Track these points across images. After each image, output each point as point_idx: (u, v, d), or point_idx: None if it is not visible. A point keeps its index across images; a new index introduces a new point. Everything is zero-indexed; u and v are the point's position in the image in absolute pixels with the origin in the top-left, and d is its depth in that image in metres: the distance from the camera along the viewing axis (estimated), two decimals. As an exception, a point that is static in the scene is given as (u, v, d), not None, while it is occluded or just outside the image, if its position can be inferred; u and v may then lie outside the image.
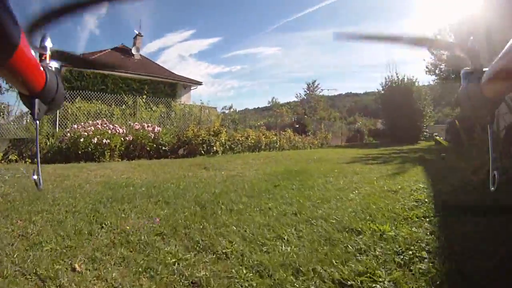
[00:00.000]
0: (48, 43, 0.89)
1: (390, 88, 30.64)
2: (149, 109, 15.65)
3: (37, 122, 0.84)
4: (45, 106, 0.84)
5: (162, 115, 15.68)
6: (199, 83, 28.44)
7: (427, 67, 30.79)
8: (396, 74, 30.80)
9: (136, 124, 12.62)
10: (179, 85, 25.45)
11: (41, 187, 0.86)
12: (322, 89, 51.45)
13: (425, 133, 32.51)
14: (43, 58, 0.88)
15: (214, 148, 13.89)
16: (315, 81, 52.63)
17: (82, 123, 11.26)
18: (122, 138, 11.37)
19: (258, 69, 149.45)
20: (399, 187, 5.77)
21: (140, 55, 27.18)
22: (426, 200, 4.64)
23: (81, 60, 1.09)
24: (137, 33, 26.82)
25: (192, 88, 27.77)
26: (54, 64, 0.88)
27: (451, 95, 30.77)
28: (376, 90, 32.96)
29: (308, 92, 52.50)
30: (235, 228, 3.40)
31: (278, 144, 18.39)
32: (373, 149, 20.36)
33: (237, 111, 26.68)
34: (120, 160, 10.95)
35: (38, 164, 0.87)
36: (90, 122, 11.45)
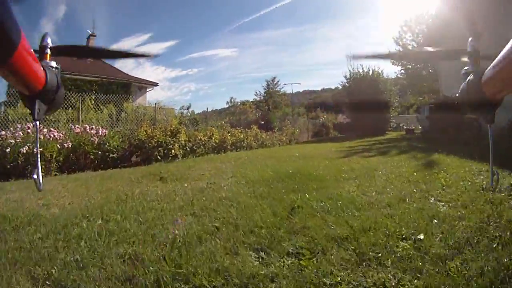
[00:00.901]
0: (48, 43, 0.89)
1: (356, 80, 29.00)
2: (99, 112, 12.64)
3: (37, 122, 0.83)
4: (45, 106, 0.83)
5: (111, 117, 12.56)
6: (155, 84, 26.07)
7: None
8: (361, 66, 29.15)
9: (77, 127, 9.53)
10: (133, 86, 22.71)
11: (41, 187, 0.83)
12: (284, 84, 49.34)
13: (392, 124, 31.14)
14: (43, 58, 0.87)
15: (173, 151, 11.06)
16: (274, 77, 50.26)
17: (12, 129, 8.34)
18: (59, 145, 8.32)
19: (215, 71, 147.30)
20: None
21: (93, 56, 24.06)
22: None
23: (86, 50, 1.04)
24: (90, 33, 23.71)
25: (147, 90, 25.39)
26: (54, 64, 0.87)
27: (417, 84, 29.69)
28: (341, 83, 31.22)
29: (268, 89, 50.22)
30: None
31: (246, 142, 15.79)
32: (347, 142, 18.37)
33: (196, 113, 24.25)
34: (58, 174, 7.98)
35: (38, 164, 0.84)
36: (19, 126, 8.34)
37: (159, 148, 10.62)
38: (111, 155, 9.68)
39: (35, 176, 0.81)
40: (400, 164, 6.27)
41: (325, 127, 31.23)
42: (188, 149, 12.21)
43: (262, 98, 47.44)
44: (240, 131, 15.93)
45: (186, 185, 5.17)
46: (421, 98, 35.38)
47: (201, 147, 13.00)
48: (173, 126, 11.78)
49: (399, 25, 27.14)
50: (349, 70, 29.81)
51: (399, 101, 32.12)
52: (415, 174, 4.89)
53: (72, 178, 6.90)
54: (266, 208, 3.20)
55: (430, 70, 27.35)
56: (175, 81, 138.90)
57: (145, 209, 3.51)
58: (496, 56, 0.70)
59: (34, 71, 0.71)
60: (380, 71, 28.50)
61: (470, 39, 0.94)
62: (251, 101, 43.23)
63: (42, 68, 0.77)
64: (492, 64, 0.74)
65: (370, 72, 28.53)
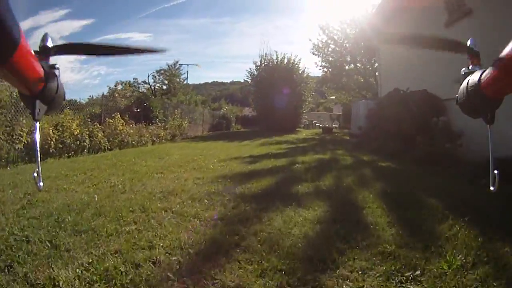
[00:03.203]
0: (49, 43, 0.85)
1: (267, 69, 24.17)
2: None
3: (37, 122, 0.83)
4: (45, 106, 0.82)
5: None
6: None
7: (314, 47, 25.54)
8: (276, 52, 24.30)
9: None
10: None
11: (41, 187, 0.81)
12: (180, 64, 42.86)
13: (304, 121, 27.10)
14: (43, 58, 0.83)
15: None
16: (177, 61, 43.56)
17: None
18: None
19: (127, 56, 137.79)
20: None
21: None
22: None
23: (86, 47, 0.93)
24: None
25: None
26: (54, 64, 0.85)
27: (339, 79, 25.91)
28: (248, 71, 25.59)
29: (168, 74, 43.62)
30: None
31: (89, 142, 9.70)
32: (249, 142, 13.50)
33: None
34: None
35: (38, 164, 0.83)
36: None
37: None
38: None
39: (35, 174, 0.79)
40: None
41: (226, 119, 26.20)
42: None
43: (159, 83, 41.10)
44: (77, 123, 9.75)
45: None
46: (333, 98, 32.08)
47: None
48: None
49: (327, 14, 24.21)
50: (261, 56, 24.91)
51: (314, 95, 28.08)
52: None
53: None
54: None
55: (358, 65, 23.94)
56: (86, 63, 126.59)
57: None
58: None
59: (35, 71, 0.70)
60: (297, 60, 24.12)
61: (470, 38, 0.90)
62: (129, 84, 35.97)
63: (42, 68, 0.75)
64: (492, 64, 0.72)
65: (285, 61, 23.99)
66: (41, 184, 0.80)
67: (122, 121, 11.94)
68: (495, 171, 0.82)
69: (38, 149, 0.89)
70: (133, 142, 11.73)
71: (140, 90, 31.00)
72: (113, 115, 12.05)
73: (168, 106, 19.02)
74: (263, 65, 24.64)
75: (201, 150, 9.91)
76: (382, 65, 13.40)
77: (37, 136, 0.89)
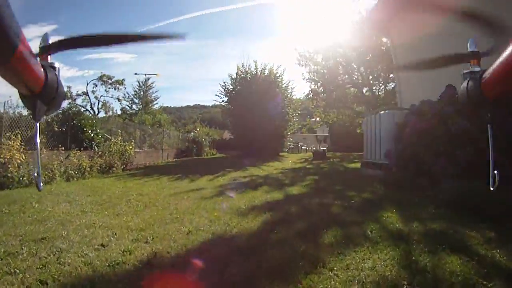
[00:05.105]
0: (49, 43, 0.84)
1: (244, 82, 20.12)
2: None
3: (38, 123, 0.82)
4: (45, 106, 0.79)
5: None
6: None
7: (300, 56, 22.03)
8: (255, 62, 20.44)
9: None
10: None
11: (41, 187, 0.81)
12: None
13: (288, 144, 23.03)
14: (43, 58, 0.82)
15: None
16: (148, 78, 39.92)
17: None
18: None
19: (111, 76, 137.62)
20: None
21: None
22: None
23: (88, 39, 0.89)
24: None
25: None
26: (54, 64, 0.83)
27: (328, 91, 22.19)
28: (222, 85, 21.15)
29: (139, 92, 40.40)
30: None
31: None
32: (214, 178, 9.42)
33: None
34: None
35: (39, 165, 0.84)
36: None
37: None
38: None
39: (35, 174, 0.80)
40: None
41: (196, 143, 21.98)
42: None
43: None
44: None
45: None
46: (317, 119, 28.17)
47: None
48: None
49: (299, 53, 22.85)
50: (238, 66, 20.88)
51: (300, 115, 23.89)
52: None
53: None
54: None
55: (354, 77, 20.45)
56: (70, 81, 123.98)
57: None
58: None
59: (35, 71, 0.68)
60: (280, 71, 20.28)
61: (469, 40, 0.91)
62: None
63: (42, 68, 0.73)
64: (493, 66, 0.72)
65: (266, 72, 20.02)
66: (42, 184, 0.80)
67: (18, 144, 7.69)
68: (495, 171, 0.85)
69: (39, 150, 0.90)
70: (25, 179, 7.37)
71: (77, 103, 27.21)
72: (8, 134, 7.82)
73: (125, 126, 15.32)
74: (239, 77, 20.61)
75: (80, 213, 4.68)
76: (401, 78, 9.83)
77: (38, 138, 0.90)
